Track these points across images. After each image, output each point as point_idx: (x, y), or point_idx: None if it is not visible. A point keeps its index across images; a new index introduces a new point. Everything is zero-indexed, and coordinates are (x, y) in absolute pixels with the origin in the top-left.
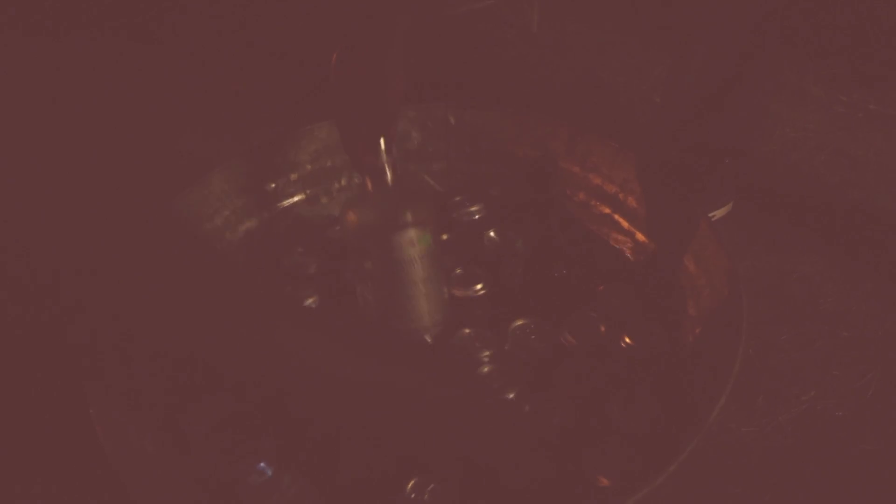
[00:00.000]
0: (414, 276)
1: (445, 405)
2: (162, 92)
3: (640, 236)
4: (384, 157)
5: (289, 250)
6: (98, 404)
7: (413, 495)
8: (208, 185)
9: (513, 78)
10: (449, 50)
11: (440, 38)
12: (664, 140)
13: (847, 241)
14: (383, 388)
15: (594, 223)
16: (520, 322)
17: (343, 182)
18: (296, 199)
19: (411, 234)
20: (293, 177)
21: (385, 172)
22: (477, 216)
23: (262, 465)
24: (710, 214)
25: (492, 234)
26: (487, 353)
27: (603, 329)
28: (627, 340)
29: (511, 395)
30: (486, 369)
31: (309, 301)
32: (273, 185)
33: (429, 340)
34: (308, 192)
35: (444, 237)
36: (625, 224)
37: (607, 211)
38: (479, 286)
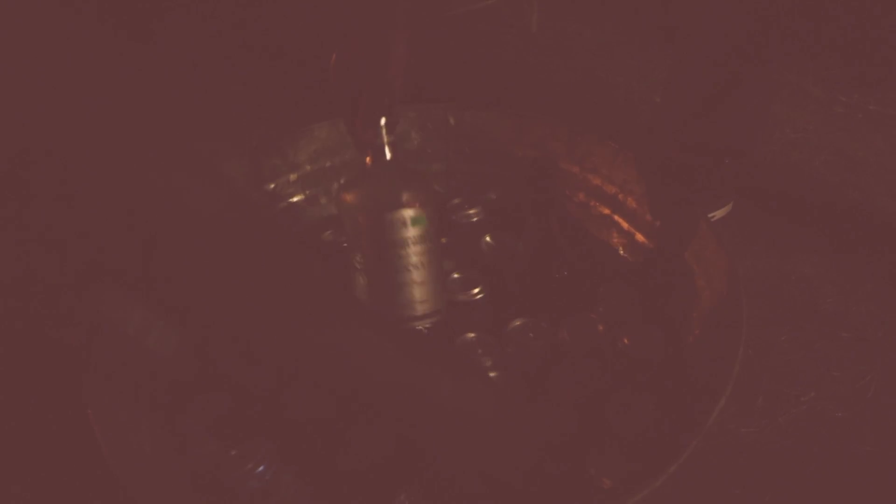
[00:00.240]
0: (406, 261)
1: (446, 405)
2: (161, 92)
3: (639, 237)
4: (384, 135)
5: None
6: (96, 404)
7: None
8: None
9: (512, 78)
10: (449, 50)
11: (440, 38)
12: (664, 140)
13: (847, 242)
14: (384, 386)
15: (594, 224)
16: (518, 322)
17: (343, 182)
18: (295, 199)
19: (404, 214)
20: (292, 177)
21: (384, 152)
22: (475, 219)
23: (261, 466)
24: (710, 214)
25: (488, 238)
26: (490, 361)
27: (602, 329)
28: (626, 341)
29: (511, 396)
30: (489, 375)
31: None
32: (273, 186)
33: (420, 329)
34: (307, 192)
35: (444, 241)
36: (624, 225)
37: (607, 212)
38: (476, 290)
